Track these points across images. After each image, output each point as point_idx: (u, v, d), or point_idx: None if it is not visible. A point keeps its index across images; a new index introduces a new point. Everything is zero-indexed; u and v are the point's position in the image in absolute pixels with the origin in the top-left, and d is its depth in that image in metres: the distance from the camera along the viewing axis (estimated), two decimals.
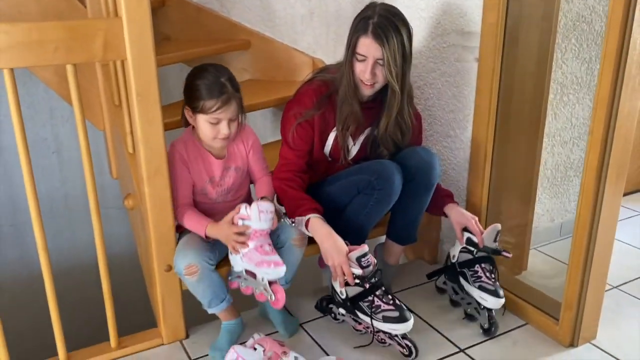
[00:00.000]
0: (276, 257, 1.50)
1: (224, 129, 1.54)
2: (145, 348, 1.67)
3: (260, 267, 1.50)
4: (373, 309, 1.57)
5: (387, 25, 1.54)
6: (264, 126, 2.66)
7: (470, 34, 1.80)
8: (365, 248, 1.54)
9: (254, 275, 1.56)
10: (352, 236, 1.62)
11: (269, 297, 1.56)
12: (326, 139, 1.73)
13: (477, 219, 1.73)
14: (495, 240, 1.69)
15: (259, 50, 2.57)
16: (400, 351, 1.61)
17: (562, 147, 2.18)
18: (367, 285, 1.57)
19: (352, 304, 1.62)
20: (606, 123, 1.44)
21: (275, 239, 1.63)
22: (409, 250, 2.23)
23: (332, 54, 2.27)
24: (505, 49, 1.71)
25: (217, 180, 1.65)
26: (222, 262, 1.66)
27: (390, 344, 1.64)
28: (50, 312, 1.55)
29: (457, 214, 1.74)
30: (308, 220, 1.57)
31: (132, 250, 2.31)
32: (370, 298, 1.57)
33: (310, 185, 1.71)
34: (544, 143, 2.02)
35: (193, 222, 1.58)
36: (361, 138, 1.76)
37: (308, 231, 1.59)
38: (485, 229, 1.71)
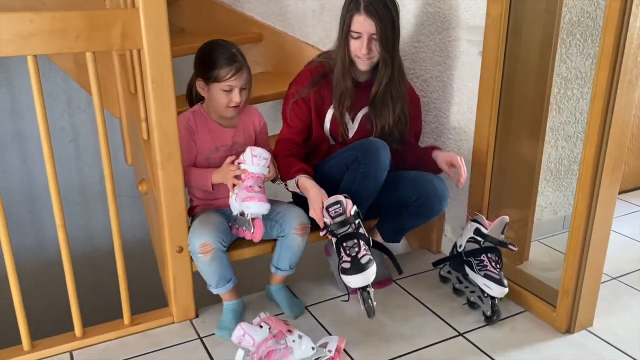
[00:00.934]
0: (261, 196, 1.59)
1: (235, 96, 1.65)
2: (156, 325, 1.73)
3: (245, 202, 1.58)
4: (339, 260, 1.60)
5: (376, 1, 1.67)
6: (276, 118, 2.70)
7: (475, 27, 1.84)
8: (336, 198, 1.59)
9: (243, 215, 1.64)
10: None
11: (251, 231, 1.63)
12: (324, 116, 1.81)
13: (462, 158, 1.79)
14: (502, 232, 1.73)
15: (271, 44, 2.63)
16: None
17: (566, 142, 2.21)
18: (324, 231, 1.59)
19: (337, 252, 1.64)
20: (603, 115, 1.47)
21: (278, 227, 1.71)
22: (413, 239, 2.28)
23: None
24: (509, 42, 1.75)
25: (223, 150, 1.73)
26: (231, 246, 1.72)
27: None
28: (67, 286, 1.61)
29: (443, 155, 1.84)
30: (297, 182, 1.67)
31: (143, 239, 2.37)
32: (339, 248, 1.59)
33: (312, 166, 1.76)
34: (547, 137, 2.05)
35: (198, 176, 1.68)
36: (359, 116, 1.83)
37: (300, 191, 1.68)
38: (488, 220, 1.76)
